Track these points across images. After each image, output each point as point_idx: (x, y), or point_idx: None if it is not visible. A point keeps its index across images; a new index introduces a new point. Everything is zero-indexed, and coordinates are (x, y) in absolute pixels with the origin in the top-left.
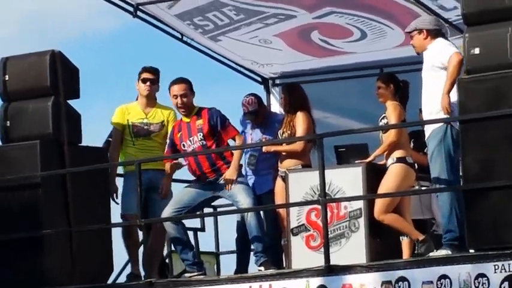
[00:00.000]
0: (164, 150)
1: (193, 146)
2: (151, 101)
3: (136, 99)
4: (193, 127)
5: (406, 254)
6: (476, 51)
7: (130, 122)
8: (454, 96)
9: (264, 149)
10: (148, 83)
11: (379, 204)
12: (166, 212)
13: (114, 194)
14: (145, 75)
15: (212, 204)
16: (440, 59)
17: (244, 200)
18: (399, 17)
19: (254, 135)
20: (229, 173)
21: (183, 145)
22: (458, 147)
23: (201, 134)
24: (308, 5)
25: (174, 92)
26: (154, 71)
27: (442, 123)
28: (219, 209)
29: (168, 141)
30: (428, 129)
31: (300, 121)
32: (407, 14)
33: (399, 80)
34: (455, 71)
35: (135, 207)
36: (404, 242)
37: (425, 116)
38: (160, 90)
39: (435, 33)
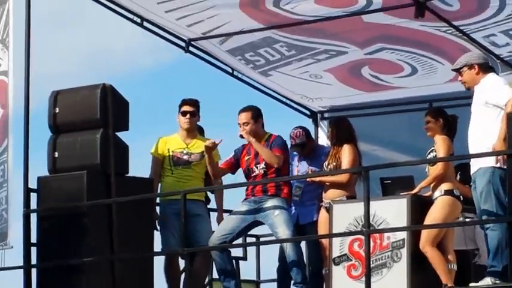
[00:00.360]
0: (201, 181)
1: (256, 173)
2: (192, 133)
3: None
4: (260, 154)
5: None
6: None
7: (170, 152)
8: None
9: (309, 179)
10: (188, 116)
11: (425, 235)
12: (213, 239)
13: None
14: (185, 108)
15: (256, 234)
16: (496, 97)
17: (283, 232)
18: (450, 53)
19: (301, 167)
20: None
21: (249, 170)
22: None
23: (265, 163)
24: (359, 42)
25: (238, 121)
26: (194, 103)
27: (491, 165)
28: (262, 239)
29: (232, 154)
30: (474, 164)
31: (346, 153)
32: (459, 50)
33: (448, 114)
34: (503, 130)
35: (172, 242)
36: (448, 271)
37: (472, 150)
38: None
39: (486, 67)
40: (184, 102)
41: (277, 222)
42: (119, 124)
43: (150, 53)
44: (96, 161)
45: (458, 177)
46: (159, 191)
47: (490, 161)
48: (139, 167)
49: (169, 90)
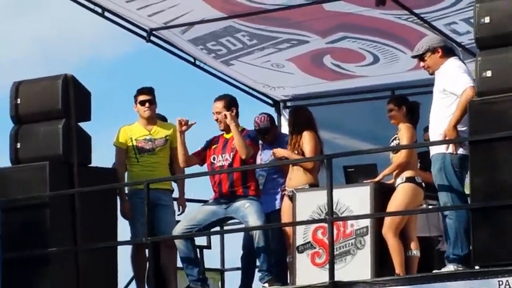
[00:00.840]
0: (167, 168)
1: (222, 163)
2: (152, 120)
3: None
4: (229, 145)
5: (412, 269)
6: (488, 74)
7: (134, 140)
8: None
9: (275, 151)
10: (147, 105)
11: (388, 222)
12: (178, 228)
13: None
14: (142, 97)
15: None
16: (453, 85)
17: (254, 221)
18: (412, 41)
19: (264, 156)
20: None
21: (213, 158)
22: (461, 173)
23: (233, 154)
24: (321, 31)
25: (212, 109)
26: (150, 91)
27: (442, 151)
28: (226, 227)
29: (203, 145)
30: (433, 149)
31: (306, 140)
32: (420, 38)
33: (410, 102)
34: (463, 109)
35: (141, 230)
36: (411, 257)
37: (432, 137)
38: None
39: (448, 50)
40: (141, 91)
41: (248, 213)
42: (81, 114)
43: (111, 42)
44: (58, 152)
45: (419, 164)
46: (126, 181)
47: (441, 148)
48: (102, 157)
49: (131, 80)
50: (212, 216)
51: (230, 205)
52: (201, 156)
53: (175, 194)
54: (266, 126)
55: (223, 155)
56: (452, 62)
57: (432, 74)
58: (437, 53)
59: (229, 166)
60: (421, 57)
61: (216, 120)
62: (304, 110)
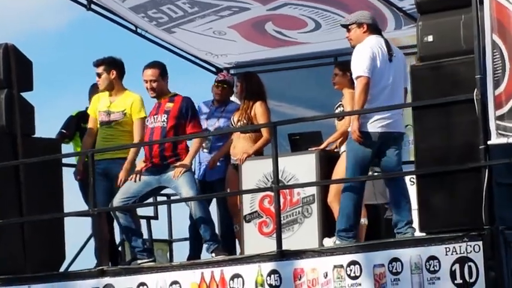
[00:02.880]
0: (127, 138)
1: (154, 124)
2: (113, 90)
3: None
4: (161, 107)
5: (360, 237)
6: (430, 38)
7: (97, 111)
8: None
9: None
10: (97, 78)
11: (333, 190)
12: (115, 201)
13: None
14: (95, 70)
15: (166, 193)
16: (353, 67)
17: (186, 193)
18: (354, 7)
19: (209, 121)
20: (185, 161)
21: (147, 120)
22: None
23: (166, 116)
24: None
25: (144, 77)
26: (100, 63)
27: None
28: (173, 198)
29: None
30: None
31: (260, 111)
32: (361, 3)
33: None
34: (360, 98)
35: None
36: (359, 226)
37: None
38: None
39: (374, 28)
40: (93, 64)
41: (180, 184)
42: (23, 84)
43: (50, 12)
44: (1, 122)
45: None
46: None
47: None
48: (46, 129)
49: (73, 50)
50: (146, 186)
51: (162, 175)
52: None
53: None
54: (231, 80)
55: (155, 116)
56: (366, 42)
57: (353, 46)
58: (362, 28)
59: (163, 128)
60: (347, 28)
61: (151, 88)
62: (256, 76)
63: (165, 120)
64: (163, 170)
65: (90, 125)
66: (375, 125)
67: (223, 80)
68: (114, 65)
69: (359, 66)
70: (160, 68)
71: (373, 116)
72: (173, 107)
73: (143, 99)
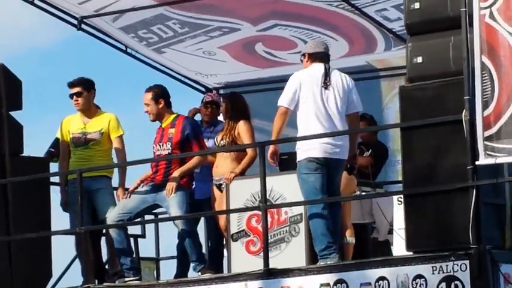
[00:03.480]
0: (104, 158)
1: (160, 152)
2: (88, 112)
3: None
4: (165, 134)
5: (347, 256)
6: (419, 60)
7: (70, 134)
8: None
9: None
10: (74, 98)
11: None
12: (111, 216)
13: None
14: (71, 90)
15: (153, 211)
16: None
17: (175, 213)
18: (343, 29)
19: None
20: (173, 174)
21: (153, 147)
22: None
23: (170, 144)
24: (252, 18)
25: (143, 100)
26: (77, 83)
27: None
28: (160, 216)
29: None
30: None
31: (244, 130)
32: (352, 25)
33: None
34: (275, 125)
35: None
36: (346, 244)
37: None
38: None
39: (315, 57)
40: (69, 84)
41: (170, 204)
42: (12, 103)
43: (42, 31)
44: None
45: (370, 151)
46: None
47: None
48: (34, 147)
49: (62, 69)
50: (142, 203)
51: (159, 193)
52: None
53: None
54: (218, 100)
55: (161, 144)
56: (300, 72)
57: None
58: (305, 58)
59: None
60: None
61: (146, 111)
62: (241, 97)
63: (170, 148)
64: (161, 188)
65: (62, 148)
66: (322, 152)
67: (211, 101)
68: (91, 85)
69: (282, 96)
70: (153, 92)
71: (319, 143)
72: (175, 133)
73: (118, 117)
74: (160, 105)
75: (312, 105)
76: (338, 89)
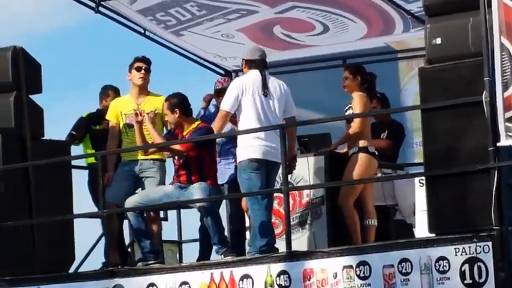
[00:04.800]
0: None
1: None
2: (143, 90)
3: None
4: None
5: (369, 238)
6: (438, 41)
7: (123, 115)
8: None
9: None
10: (142, 71)
11: (343, 192)
12: (131, 200)
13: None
14: (139, 63)
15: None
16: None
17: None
18: (362, 10)
19: None
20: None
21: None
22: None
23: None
24: (270, 1)
25: None
26: (148, 61)
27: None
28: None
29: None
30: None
31: None
32: (370, 7)
33: (366, 71)
34: (216, 126)
35: (119, 196)
36: (368, 226)
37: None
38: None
39: (251, 63)
40: (138, 59)
41: (194, 191)
42: (32, 87)
43: (58, 14)
44: (10, 125)
45: (386, 132)
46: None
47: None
48: (55, 130)
49: (81, 52)
50: (165, 197)
51: (184, 190)
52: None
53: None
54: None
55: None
56: (240, 78)
57: None
58: (243, 64)
59: (184, 162)
60: None
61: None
62: None
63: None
64: (187, 187)
65: (111, 131)
66: (262, 153)
67: (221, 89)
68: (150, 68)
69: (225, 99)
70: (168, 102)
71: (259, 145)
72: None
73: None
74: (177, 115)
75: (253, 112)
76: (276, 96)
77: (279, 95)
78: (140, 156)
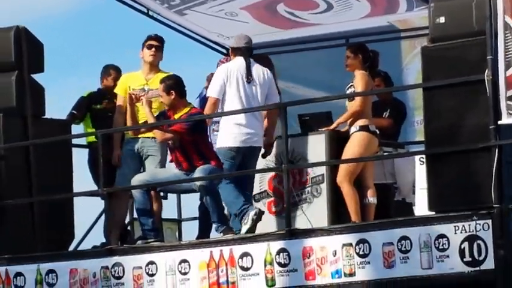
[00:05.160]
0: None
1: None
2: (154, 68)
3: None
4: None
5: (369, 216)
6: (442, 20)
7: (131, 89)
8: None
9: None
10: (153, 49)
11: (342, 170)
12: (139, 178)
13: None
14: (151, 42)
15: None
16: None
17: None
18: None
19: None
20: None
21: None
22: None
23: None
24: None
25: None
26: (160, 39)
27: None
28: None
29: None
30: None
31: None
32: None
33: (368, 50)
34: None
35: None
36: (368, 205)
37: None
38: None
39: (236, 50)
40: (150, 37)
41: (196, 172)
42: (34, 66)
43: None
44: (12, 104)
45: (389, 111)
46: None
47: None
48: (56, 109)
49: (84, 32)
50: (173, 177)
51: (189, 173)
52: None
53: None
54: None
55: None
56: (226, 65)
57: None
58: (230, 52)
59: (181, 150)
60: None
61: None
62: (267, 59)
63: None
64: (192, 170)
65: (119, 104)
66: (238, 141)
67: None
68: (163, 46)
69: (211, 86)
70: (164, 84)
71: (239, 133)
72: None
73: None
74: (172, 97)
75: (237, 98)
76: (260, 82)
77: (262, 82)
78: (141, 135)
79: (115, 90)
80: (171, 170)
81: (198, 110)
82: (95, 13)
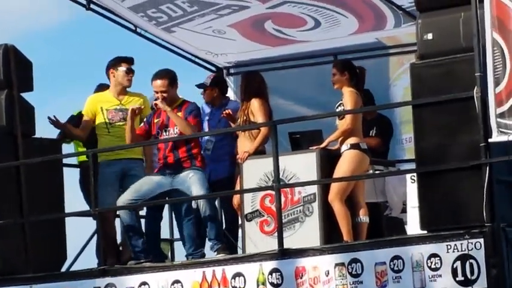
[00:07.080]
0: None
1: (167, 135)
2: (124, 90)
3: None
4: (172, 120)
5: (361, 235)
6: (429, 36)
7: (104, 110)
8: None
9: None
10: (131, 74)
11: (334, 188)
12: (123, 199)
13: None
14: (127, 65)
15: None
16: None
17: (197, 191)
18: (353, 5)
19: (211, 122)
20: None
21: (158, 133)
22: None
23: (177, 129)
24: None
25: (154, 88)
26: (133, 61)
27: None
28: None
29: (144, 120)
30: None
31: (256, 108)
32: (361, 2)
33: (355, 66)
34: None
35: (109, 201)
36: (360, 223)
37: None
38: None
39: None
40: (125, 60)
41: (191, 182)
42: (23, 85)
43: (49, 11)
44: (1, 123)
45: (375, 130)
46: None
47: None
48: (46, 128)
49: (72, 49)
50: (157, 188)
51: (176, 176)
52: (145, 133)
53: None
54: (206, 81)
55: (167, 130)
56: None
57: None
58: None
59: (176, 141)
60: None
61: (157, 98)
62: (258, 75)
63: (177, 133)
64: (177, 172)
65: (84, 125)
66: None
67: (200, 84)
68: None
69: None
70: (169, 78)
71: None
72: (182, 116)
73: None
74: (177, 89)
75: None
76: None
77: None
78: (125, 156)
79: (83, 111)
80: (152, 180)
81: (189, 104)
82: (83, 30)
